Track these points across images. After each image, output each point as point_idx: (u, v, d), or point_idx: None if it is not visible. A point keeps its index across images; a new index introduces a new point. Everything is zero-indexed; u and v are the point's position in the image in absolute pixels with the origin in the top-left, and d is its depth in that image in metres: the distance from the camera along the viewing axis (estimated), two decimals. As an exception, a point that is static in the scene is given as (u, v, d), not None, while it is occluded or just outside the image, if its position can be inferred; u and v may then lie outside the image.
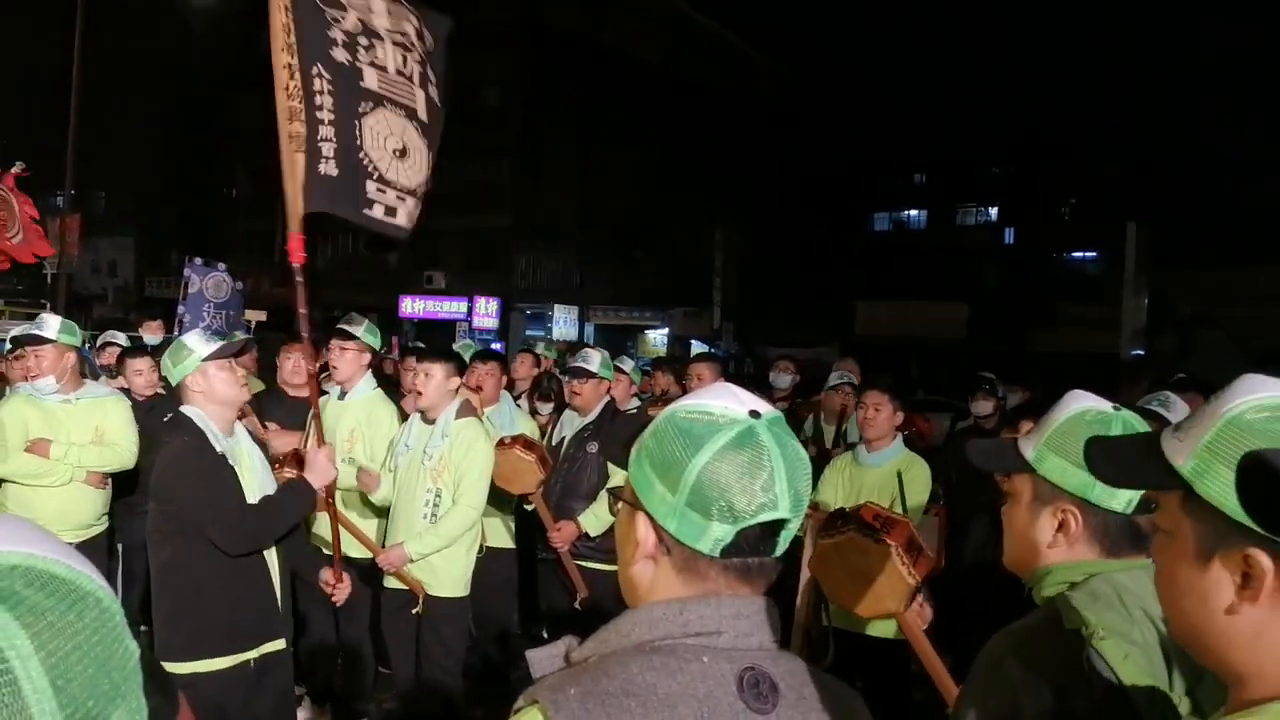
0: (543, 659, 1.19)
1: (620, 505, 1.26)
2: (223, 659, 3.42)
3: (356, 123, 3.75)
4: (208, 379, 3.51)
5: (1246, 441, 0.97)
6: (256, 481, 3.60)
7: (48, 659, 0.57)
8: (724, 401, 1.20)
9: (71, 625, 0.60)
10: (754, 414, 1.18)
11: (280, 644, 3.61)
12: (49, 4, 22.61)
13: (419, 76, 4.02)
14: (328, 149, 3.68)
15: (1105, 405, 1.73)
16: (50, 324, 5.05)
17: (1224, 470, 0.96)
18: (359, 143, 3.75)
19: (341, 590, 3.95)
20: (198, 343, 3.58)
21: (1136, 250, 23.14)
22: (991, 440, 1.92)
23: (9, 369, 6.00)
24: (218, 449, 3.47)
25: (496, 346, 18.96)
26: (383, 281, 32.25)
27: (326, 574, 3.94)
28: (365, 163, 3.76)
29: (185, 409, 3.54)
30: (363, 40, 3.82)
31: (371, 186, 3.80)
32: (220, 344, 3.64)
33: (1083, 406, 1.72)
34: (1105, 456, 1.17)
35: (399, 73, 3.95)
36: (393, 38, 3.95)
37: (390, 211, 3.85)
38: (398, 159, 3.88)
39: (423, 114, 4.01)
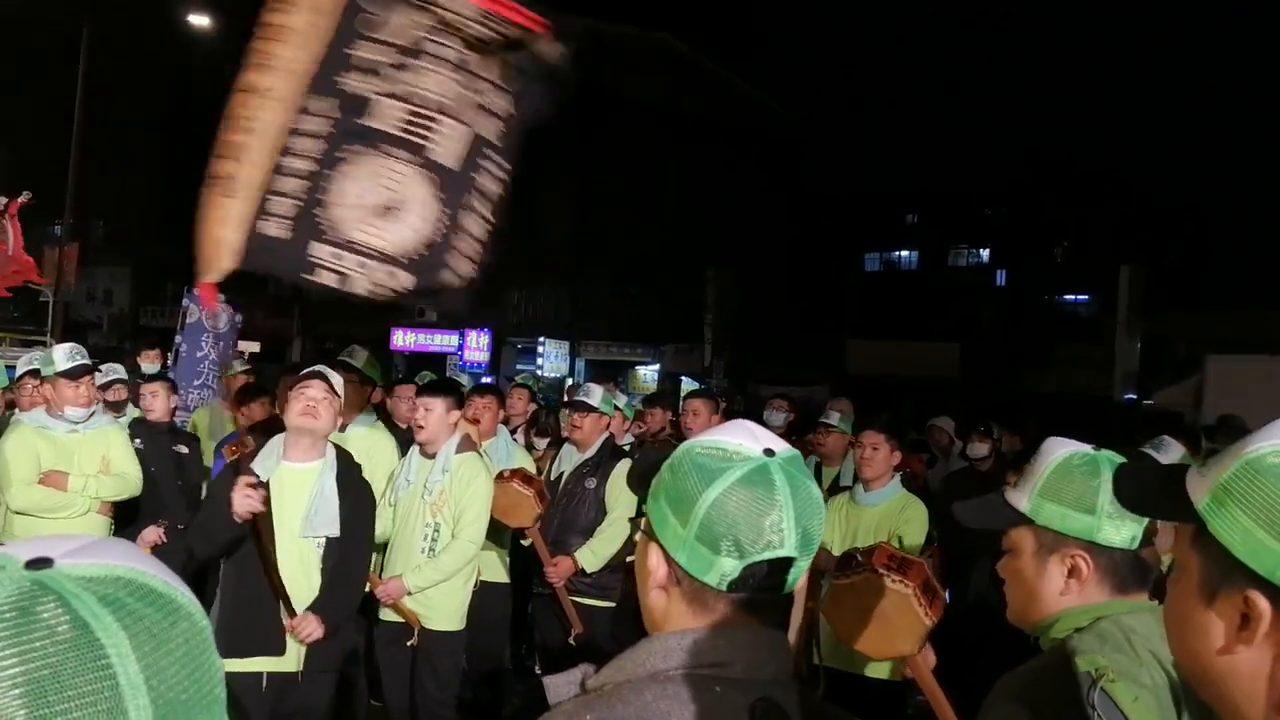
0: (559, 685, 1.22)
1: (640, 535, 1.29)
2: (228, 660, 3.60)
3: (328, 172, 3.28)
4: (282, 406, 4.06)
5: (1260, 484, 0.97)
6: (300, 511, 3.79)
7: (143, 659, 0.64)
8: (740, 439, 1.23)
9: (166, 633, 0.67)
10: (768, 452, 1.21)
11: (289, 667, 3.75)
12: (54, 36, 22.79)
13: (472, 108, 3.41)
14: (285, 207, 3.23)
15: (1085, 447, 1.75)
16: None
17: (1235, 510, 0.97)
18: (322, 198, 3.26)
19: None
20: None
21: (1130, 293, 23.14)
22: (975, 500, 1.92)
23: (18, 397, 6.01)
24: (253, 466, 3.78)
25: (487, 380, 18.94)
26: (375, 313, 32.14)
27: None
28: (321, 223, 3.27)
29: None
30: (396, 59, 3.27)
31: (323, 250, 3.28)
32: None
33: (1067, 452, 1.74)
34: (1131, 482, 1.19)
35: (430, 106, 3.32)
36: (453, 54, 3.31)
37: (342, 278, 3.29)
38: (377, 217, 3.31)
39: (449, 158, 3.37)
